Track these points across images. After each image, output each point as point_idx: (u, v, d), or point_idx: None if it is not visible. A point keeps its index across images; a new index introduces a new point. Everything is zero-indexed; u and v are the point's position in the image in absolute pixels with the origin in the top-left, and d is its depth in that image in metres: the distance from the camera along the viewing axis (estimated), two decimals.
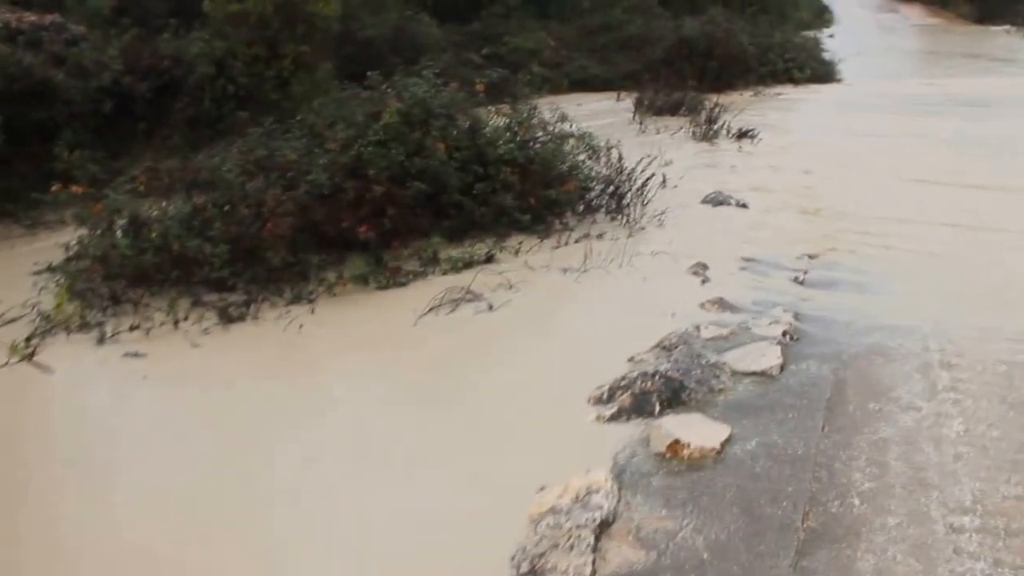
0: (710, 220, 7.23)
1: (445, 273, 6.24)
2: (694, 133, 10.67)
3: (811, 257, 6.39)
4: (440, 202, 6.84)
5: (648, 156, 9.13)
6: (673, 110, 12.26)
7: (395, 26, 13.67)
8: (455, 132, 7.05)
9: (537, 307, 5.59)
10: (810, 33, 21.11)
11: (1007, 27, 25.18)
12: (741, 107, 12.56)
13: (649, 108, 12.38)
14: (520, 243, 6.62)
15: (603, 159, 7.79)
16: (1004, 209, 7.63)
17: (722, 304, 5.33)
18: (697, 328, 4.96)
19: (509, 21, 16.69)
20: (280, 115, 8.07)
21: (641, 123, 11.57)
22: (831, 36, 22.90)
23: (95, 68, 9.48)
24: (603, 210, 7.37)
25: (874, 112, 12.49)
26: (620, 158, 7.66)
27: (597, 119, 12.23)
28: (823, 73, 15.94)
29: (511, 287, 5.84)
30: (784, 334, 4.93)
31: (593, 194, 7.43)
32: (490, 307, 5.59)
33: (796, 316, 5.25)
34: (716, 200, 7.68)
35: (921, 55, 21.72)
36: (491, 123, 7.44)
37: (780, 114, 12.30)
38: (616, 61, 16.38)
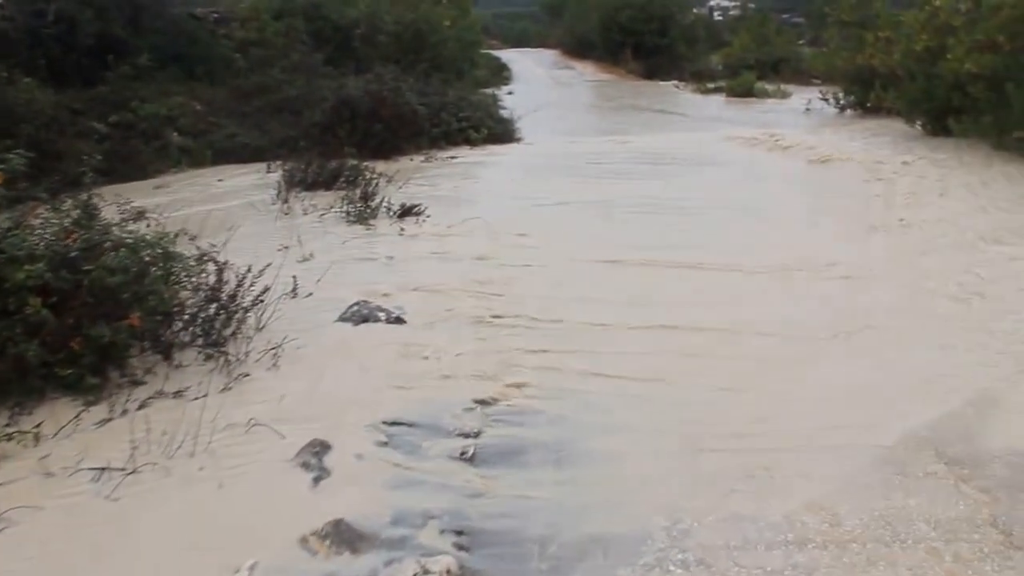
0: (347, 350, 5.12)
1: None
2: (348, 213, 8.61)
3: (486, 404, 4.44)
4: None
5: (284, 248, 7.11)
6: (329, 183, 10.17)
7: None
8: None
9: (15, 570, 3.20)
10: (489, 91, 19.98)
11: (675, 82, 25.54)
12: (409, 175, 10.77)
13: (301, 182, 10.23)
14: (41, 424, 4.17)
15: (206, 268, 5.52)
16: (720, 298, 6.13)
17: (339, 533, 3.19)
18: None
19: (145, 84, 14.01)
20: None
21: (287, 202, 9.38)
22: (510, 93, 22.02)
23: None
24: (198, 345, 5.09)
25: (557, 175, 11.04)
26: (221, 270, 5.41)
27: (235, 198, 10.01)
28: (501, 132, 14.51)
29: None
30: None
31: (180, 325, 5.12)
32: None
33: (461, 538, 3.24)
34: (360, 315, 5.61)
35: (600, 110, 21.14)
36: (15, 230, 4.98)
37: (453, 182, 10.54)
38: (271, 127, 14.12)
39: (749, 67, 22.80)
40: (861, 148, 11.97)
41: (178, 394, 4.51)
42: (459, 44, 21.04)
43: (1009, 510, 3.47)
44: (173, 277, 5.24)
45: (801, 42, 28.12)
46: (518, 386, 4.66)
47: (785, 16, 35.42)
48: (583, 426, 4.22)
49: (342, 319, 5.59)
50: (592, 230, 8.22)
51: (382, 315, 5.61)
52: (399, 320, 5.60)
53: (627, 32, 29.19)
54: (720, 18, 41.97)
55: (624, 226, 8.33)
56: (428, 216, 8.47)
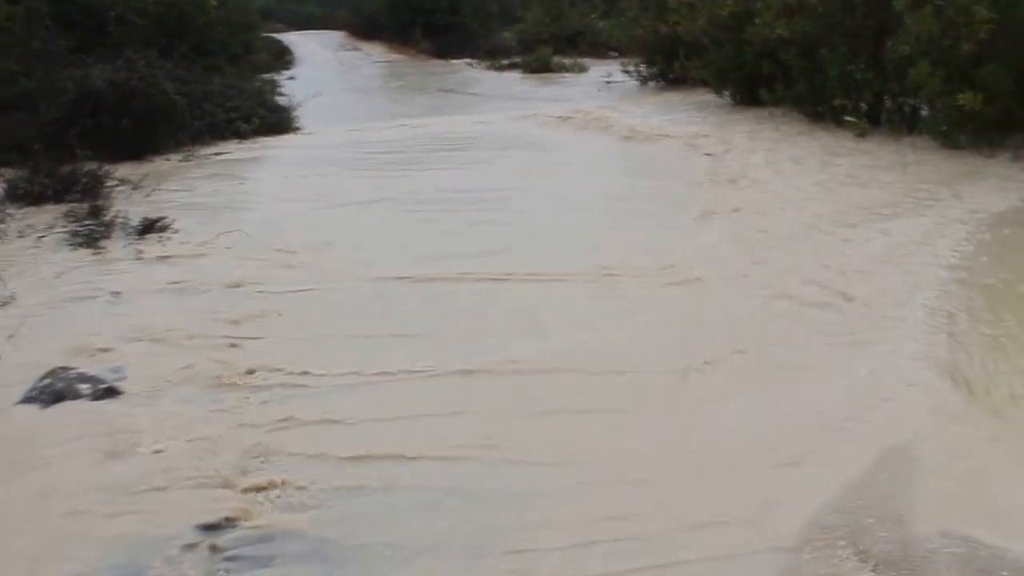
0: (23, 453, 3.50)
1: None
2: (74, 233, 6.87)
3: (218, 530, 3.00)
4: None
5: None
6: (60, 195, 8.31)
7: None
8: None
9: None
10: (268, 76, 18.18)
11: (469, 60, 24.37)
12: (162, 179, 9.01)
13: (25, 195, 8.32)
14: None
15: None
16: (537, 321, 4.90)
17: None
18: None
19: None
20: None
21: (2, 221, 7.48)
22: (291, 78, 20.22)
23: None
24: None
25: (339, 169, 9.53)
26: None
27: None
28: (276, 123, 12.71)
29: None
30: None
31: None
32: None
33: None
34: (53, 390, 4.01)
35: (389, 92, 19.65)
36: None
37: (214, 184, 8.83)
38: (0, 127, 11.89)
39: (544, 42, 21.86)
40: (673, 122, 11.09)
41: None
42: (230, 27, 19.07)
43: None
44: None
45: (594, 15, 27.51)
46: (269, 488, 3.24)
47: None
48: (362, 555, 2.87)
49: (27, 399, 3.98)
50: (380, 237, 6.84)
51: (86, 387, 4.04)
52: (111, 392, 4.05)
53: (416, 10, 27.80)
54: None
55: (418, 229, 6.97)
56: (176, 231, 6.83)
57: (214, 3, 18.46)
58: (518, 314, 5.00)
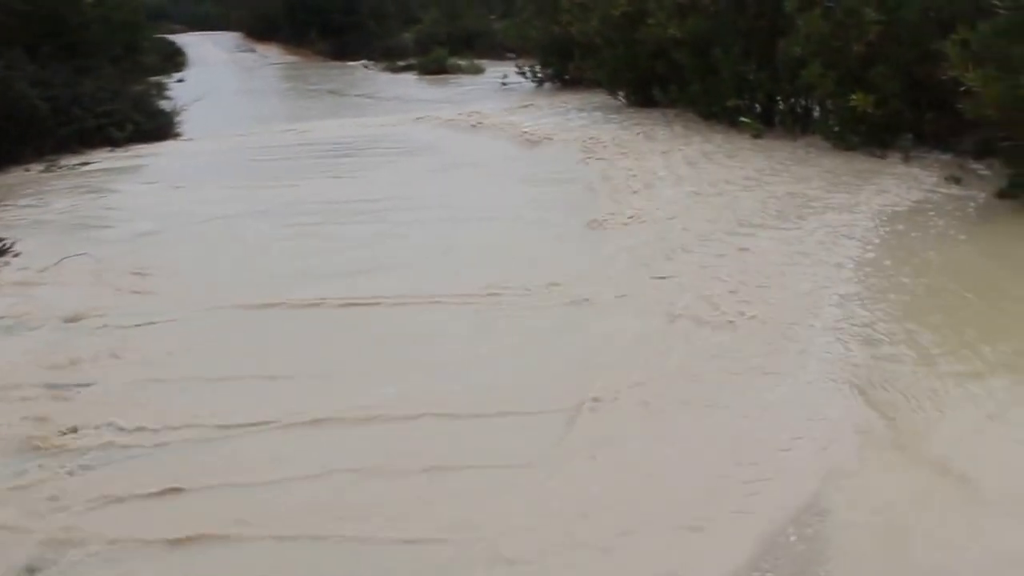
0: None
1: None
2: None
3: None
4: None
5: None
6: None
7: None
8: None
9: None
10: (156, 79, 17.27)
11: (365, 62, 23.74)
12: (13, 193, 8.31)
13: None
14: None
15: None
16: (409, 356, 4.39)
17: None
18: None
19: None
20: None
21: None
22: (180, 81, 19.36)
23: None
24: None
25: (215, 179, 8.87)
26: None
27: None
28: (154, 129, 11.88)
29: None
30: None
31: None
32: None
33: None
34: None
35: (281, 95, 18.92)
36: None
37: (72, 199, 8.01)
38: None
39: (441, 43, 21.36)
40: (568, 124, 10.75)
41: None
42: (110, 26, 18.03)
43: None
44: None
45: (493, 16, 27.13)
46: None
47: None
48: None
49: None
50: (249, 256, 6.24)
51: None
52: None
53: (312, 11, 27.00)
54: None
55: (295, 246, 6.39)
56: (16, 255, 6.12)
57: (91, 0, 17.46)
58: (389, 347, 4.49)
